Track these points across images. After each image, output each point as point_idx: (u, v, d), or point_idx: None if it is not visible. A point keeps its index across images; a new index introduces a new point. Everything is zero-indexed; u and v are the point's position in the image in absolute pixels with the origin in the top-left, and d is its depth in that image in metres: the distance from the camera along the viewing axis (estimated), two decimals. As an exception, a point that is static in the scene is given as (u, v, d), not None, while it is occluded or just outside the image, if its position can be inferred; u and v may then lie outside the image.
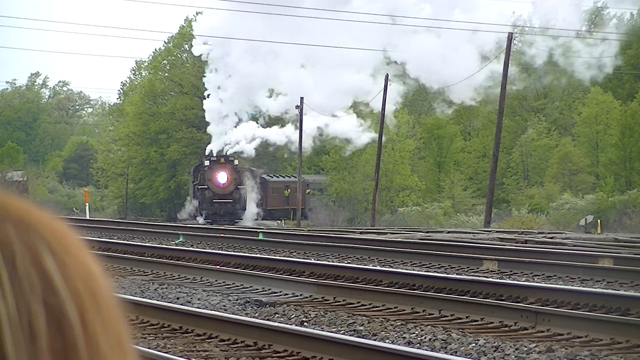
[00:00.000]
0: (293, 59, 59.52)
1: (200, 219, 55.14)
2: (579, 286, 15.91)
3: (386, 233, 32.81)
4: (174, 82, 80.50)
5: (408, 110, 71.39)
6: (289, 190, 64.92)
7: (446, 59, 56.24)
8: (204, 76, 63.05)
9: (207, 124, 62.69)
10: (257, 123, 62.64)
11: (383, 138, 54.86)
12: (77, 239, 0.97)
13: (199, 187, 55.47)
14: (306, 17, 55.88)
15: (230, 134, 60.40)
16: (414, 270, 18.62)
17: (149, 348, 9.60)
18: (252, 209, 58.24)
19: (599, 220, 43.64)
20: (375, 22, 56.79)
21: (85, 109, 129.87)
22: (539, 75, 68.38)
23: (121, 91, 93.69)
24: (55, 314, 0.92)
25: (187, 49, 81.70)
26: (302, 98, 57.13)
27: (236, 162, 55.87)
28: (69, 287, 0.94)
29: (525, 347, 10.06)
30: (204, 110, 63.45)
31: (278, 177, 66.79)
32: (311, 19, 56.07)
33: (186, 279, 17.13)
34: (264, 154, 66.61)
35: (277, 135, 61.65)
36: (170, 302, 13.34)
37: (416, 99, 73.54)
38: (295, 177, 67.05)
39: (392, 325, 11.72)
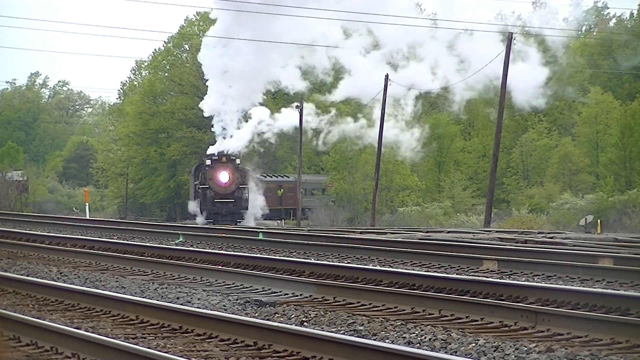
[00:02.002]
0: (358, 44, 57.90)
1: (199, 219, 54.78)
2: (579, 286, 15.90)
3: (386, 233, 32.75)
4: (173, 82, 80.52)
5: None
6: (282, 190, 64.98)
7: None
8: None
9: (208, 123, 61.09)
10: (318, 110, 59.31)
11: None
12: None
13: (200, 186, 55.23)
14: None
15: (271, 117, 57.02)
16: (414, 270, 18.60)
17: (149, 348, 9.61)
18: (256, 205, 57.74)
19: (599, 220, 43.67)
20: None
21: (85, 109, 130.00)
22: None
23: (121, 91, 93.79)
24: None
25: (187, 48, 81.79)
26: (302, 98, 57.03)
27: (238, 161, 55.64)
28: None
29: (525, 347, 10.06)
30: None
31: (272, 177, 66.78)
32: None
33: (186, 279, 17.11)
34: (264, 153, 66.33)
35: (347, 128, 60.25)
36: (170, 302, 13.33)
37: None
38: (288, 177, 67.11)
39: (392, 325, 11.72)
